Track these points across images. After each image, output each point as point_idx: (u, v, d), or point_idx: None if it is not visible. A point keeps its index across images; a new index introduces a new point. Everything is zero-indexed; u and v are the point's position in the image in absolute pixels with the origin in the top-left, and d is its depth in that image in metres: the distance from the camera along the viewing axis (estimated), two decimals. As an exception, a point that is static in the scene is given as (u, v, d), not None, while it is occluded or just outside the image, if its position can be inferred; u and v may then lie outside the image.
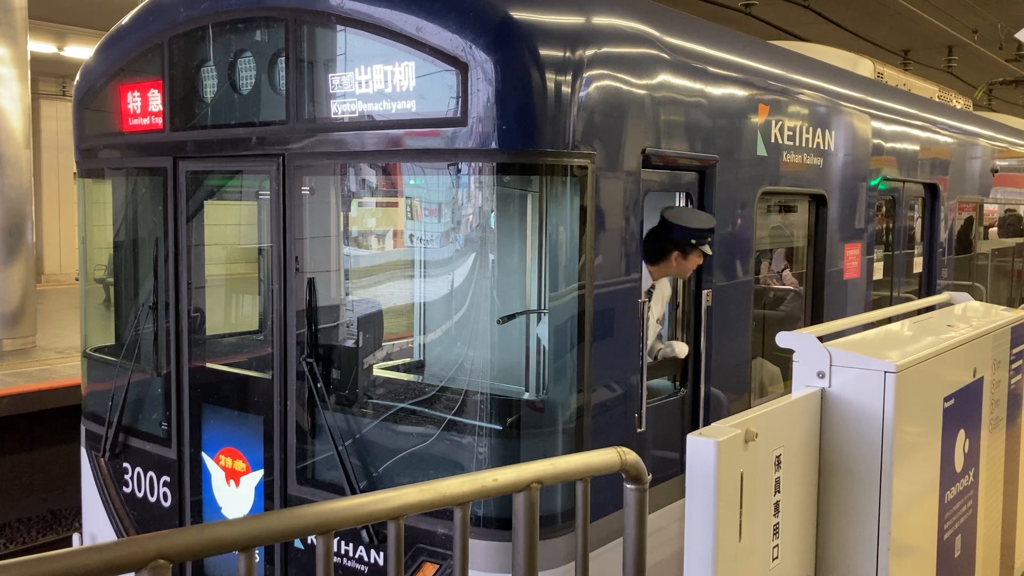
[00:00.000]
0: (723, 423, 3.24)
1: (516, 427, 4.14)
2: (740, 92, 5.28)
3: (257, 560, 3.13)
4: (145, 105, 5.29)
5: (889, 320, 5.32)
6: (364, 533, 4.33)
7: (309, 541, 4.55)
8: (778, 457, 3.44)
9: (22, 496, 11.21)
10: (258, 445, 4.86)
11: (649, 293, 4.90)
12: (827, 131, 6.25)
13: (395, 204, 5.02)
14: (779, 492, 3.46)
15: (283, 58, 4.60)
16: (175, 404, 5.24)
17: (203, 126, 5.03)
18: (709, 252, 4.94)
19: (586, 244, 4.12)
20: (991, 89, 22.21)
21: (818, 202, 6.30)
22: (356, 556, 4.43)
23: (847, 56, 8.75)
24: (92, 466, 5.77)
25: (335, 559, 4.29)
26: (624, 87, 4.33)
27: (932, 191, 8.40)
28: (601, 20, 4.41)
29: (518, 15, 4.02)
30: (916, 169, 7.95)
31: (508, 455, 4.08)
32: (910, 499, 3.85)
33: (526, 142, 3.96)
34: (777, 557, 3.48)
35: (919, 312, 5.42)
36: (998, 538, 5.11)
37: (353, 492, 4.37)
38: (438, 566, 4.13)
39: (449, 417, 4.24)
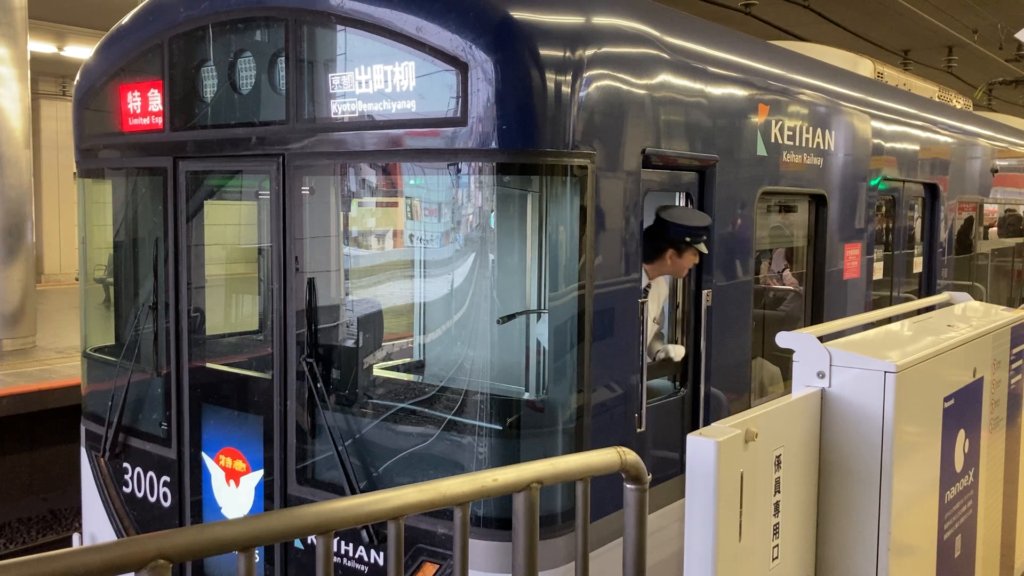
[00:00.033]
0: (723, 423, 3.24)
1: (516, 427, 4.14)
2: (740, 92, 5.28)
3: (257, 560, 3.13)
4: (145, 105, 5.29)
5: (889, 320, 5.32)
6: (364, 533, 4.33)
7: (309, 541, 4.55)
8: (778, 457, 3.44)
9: (22, 496, 11.21)
10: (258, 445, 4.86)
11: (645, 292, 4.90)
12: (827, 131, 6.25)
13: (395, 204, 5.02)
14: (779, 492, 3.46)
15: (283, 58, 4.59)
16: (175, 404, 5.24)
17: (203, 126, 5.03)
18: (704, 250, 4.93)
19: (586, 244, 4.12)
20: (991, 89, 22.21)
21: (818, 202, 6.30)
22: (356, 556, 4.43)
23: (847, 56, 8.74)
24: (92, 466, 5.77)
25: (335, 559, 4.29)
26: (624, 87, 4.33)
27: (932, 191, 8.40)
28: (601, 20, 4.41)
29: (518, 15, 4.02)
30: (916, 169, 7.95)
31: (508, 455, 4.08)
32: (910, 499, 3.85)
33: (526, 142, 3.96)
34: (777, 557, 3.48)
35: (919, 312, 5.42)
36: (998, 538, 5.11)
37: (353, 492, 4.37)
38: (438, 566, 4.13)
39: (449, 417, 4.24)
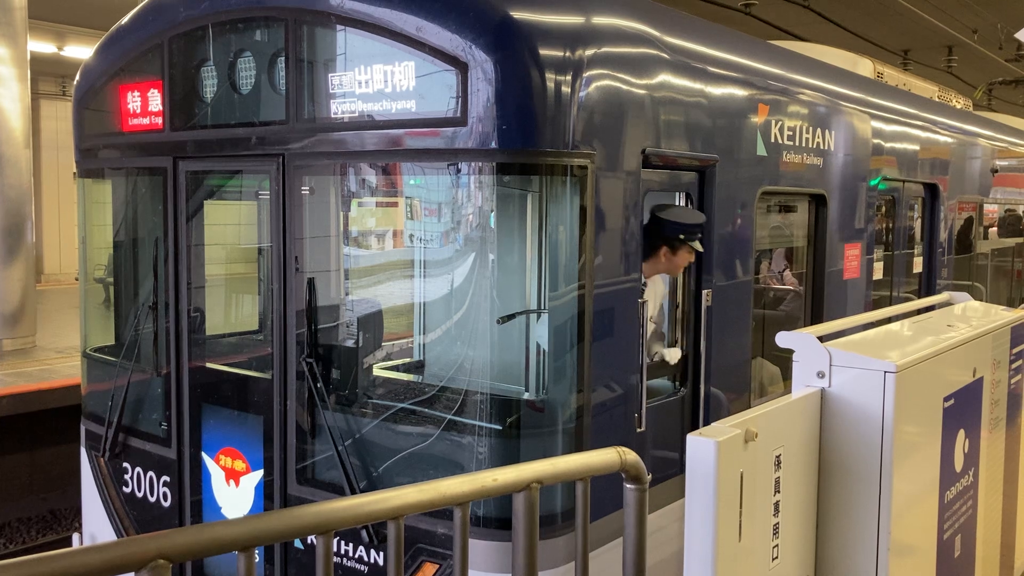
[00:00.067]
0: (723, 423, 3.24)
1: (516, 427, 4.14)
2: (740, 92, 5.28)
3: (257, 560, 3.13)
4: (145, 105, 5.29)
5: (889, 320, 5.32)
6: (364, 533, 4.33)
7: (309, 541, 4.55)
8: (778, 457, 3.44)
9: (22, 496, 11.21)
10: (258, 445, 4.86)
11: (640, 291, 4.90)
12: (827, 131, 6.25)
13: (395, 204, 5.02)
14: (779, 492, 3.46)
15: (283, 58, 4.59)
16: (175, 404, 5.24)
17: (203, 126, 5.03)
18: (699, 248, 4.93)
19: (586, 244, 4.12)
20: (991, 89, 22.22)
21: (818, 202, 6.30)
22: (356, 556, 4.43)
23: (847, 56, 8.75)
24: (92, 466, 5.77)
25: (335, 559, 4.29)
26: (624, 87, 4.33)
27: (932, 191, 8.40)
28: (601, 20, 4.41)
29: (518, 15, 4.02)
30: (916, 169, 7.95)
31: (508, 455, 4.08)
32: (910, 499, 3.85)
33: (526, 142, 3.96)
34: (777, 557, 3.48)
35: (919, 312, 5.42)
36: (998, 538, 5.11)
37: (353, 492, 4.37)
38: (438, 566, 4.13)
39: (449, 417, 4.24)
